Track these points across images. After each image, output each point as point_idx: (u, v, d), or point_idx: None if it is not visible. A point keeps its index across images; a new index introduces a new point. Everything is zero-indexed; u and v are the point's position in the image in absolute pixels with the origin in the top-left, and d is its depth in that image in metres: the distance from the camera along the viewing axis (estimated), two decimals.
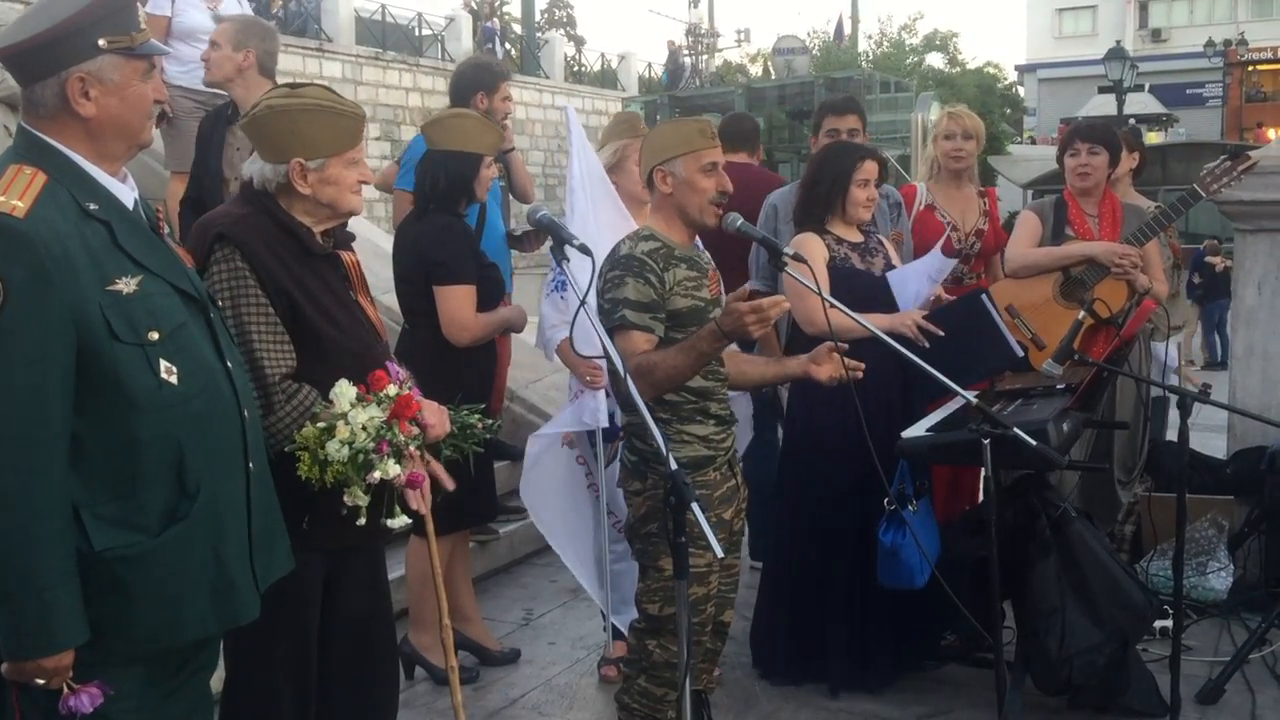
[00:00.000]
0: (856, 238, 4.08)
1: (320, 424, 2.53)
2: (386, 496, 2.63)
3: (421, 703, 4.09)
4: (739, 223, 3.33)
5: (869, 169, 4.02)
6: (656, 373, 3.03)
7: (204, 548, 2.17)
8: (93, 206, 2.12)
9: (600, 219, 3.85)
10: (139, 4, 2.22)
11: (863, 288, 3.95)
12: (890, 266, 4.12)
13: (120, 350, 2.06)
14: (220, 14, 5.89)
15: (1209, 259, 15.45)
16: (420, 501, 2.70)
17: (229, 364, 2.29)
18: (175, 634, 2.17)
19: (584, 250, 2.86)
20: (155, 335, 2.11)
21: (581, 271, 2.97)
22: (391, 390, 2.58)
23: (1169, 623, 3.91)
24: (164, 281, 2.17)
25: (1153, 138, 28.51)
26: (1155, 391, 4.79)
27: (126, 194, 2.21)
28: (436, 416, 2.76)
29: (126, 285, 2.09)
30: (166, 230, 2.31)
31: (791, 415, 4.25)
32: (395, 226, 5.00)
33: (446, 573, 3.89)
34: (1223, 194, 4.66)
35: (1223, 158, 4.59)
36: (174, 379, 2.12)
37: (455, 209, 4.01)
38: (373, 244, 6.96)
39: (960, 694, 4.03)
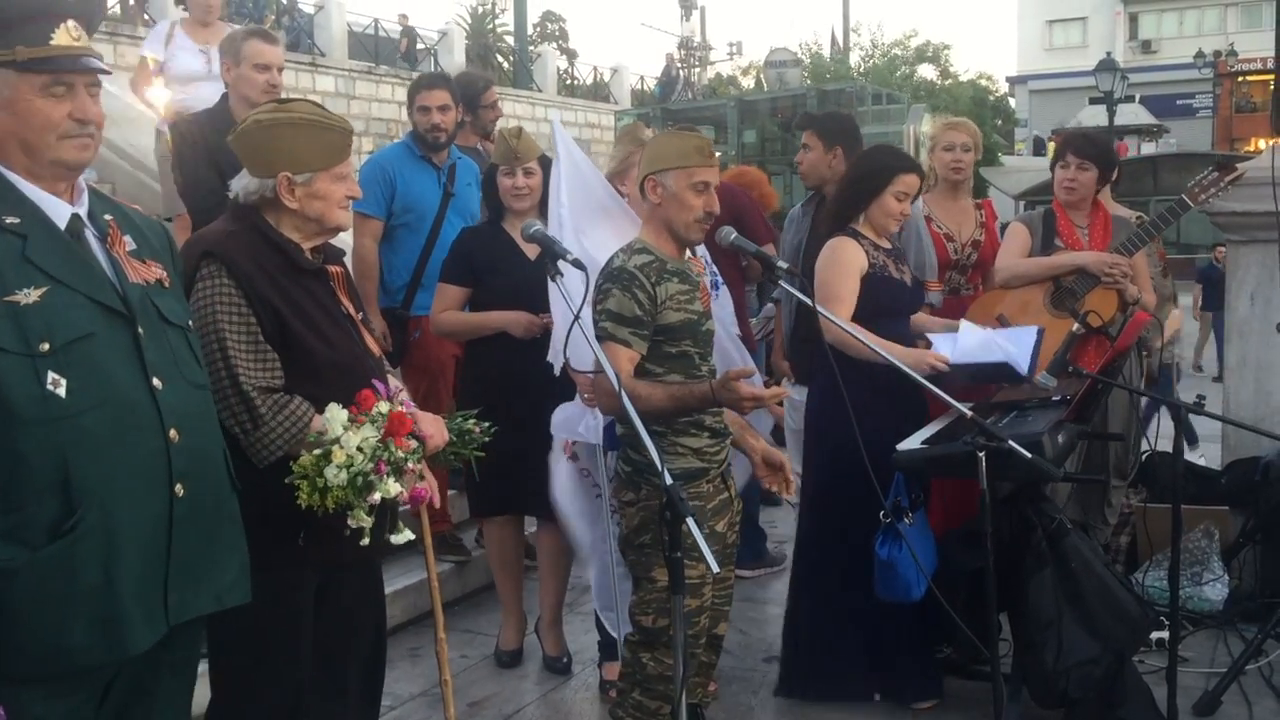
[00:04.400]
0: (886, 244, 4.07)
1: (316, 451, 2.50)
2: (388, 514, 2.62)
3: (419, 717, 4.07)
4: (732, 237, 3.34)
5: (909, 181, 3.98)
6: (637, 404, 3.01)
7: (92, 570, 2.05)
8: (10, 220, 2.09)
9: (591, 230, 3.83)
10: (49, 18, 2.13)
11: (895, 297, 3.98)
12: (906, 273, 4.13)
13: (3, 360, 2.00)
14: (213, 55, 5.87)
15: (1215, 255, 15.41)
16: (423, 516, 2.70)
17: (155, 382, 2.18)
18: (62, 659, 2.06)
19: (577, 265, 2.86)
20: (46, 346, 2.03)
21: (575, 285, 2.97)
22: (383, 407, 2.57)
23: (1165, 634, 3.90)
24: (77, 293, 2.11)
25: None
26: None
27: (62, 209, 2.17)
28: (434, 427, 2.76)
29: (26, 296, 2.04)
30: (131, 249, 2.26)
31: (810, 430, 4.23)
32: (354, 247, 5.01)
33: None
34: (1212, 204, 4.67)
35: (1210, 169, 4.61)
36: (61, 391, 2.04)
37: (493, 217, 4.31)
38: None
39: (957, 706, 4.01)
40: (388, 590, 4.64)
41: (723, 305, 4.26)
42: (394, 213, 4.94)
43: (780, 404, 4.52)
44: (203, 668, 2.57)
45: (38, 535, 2.02)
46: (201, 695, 2.57)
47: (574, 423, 3.89)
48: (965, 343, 3.91)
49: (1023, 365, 3.75)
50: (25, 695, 2.06)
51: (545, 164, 4.19)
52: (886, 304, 3.93)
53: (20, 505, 2.02)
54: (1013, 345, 3.85)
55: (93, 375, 2.09)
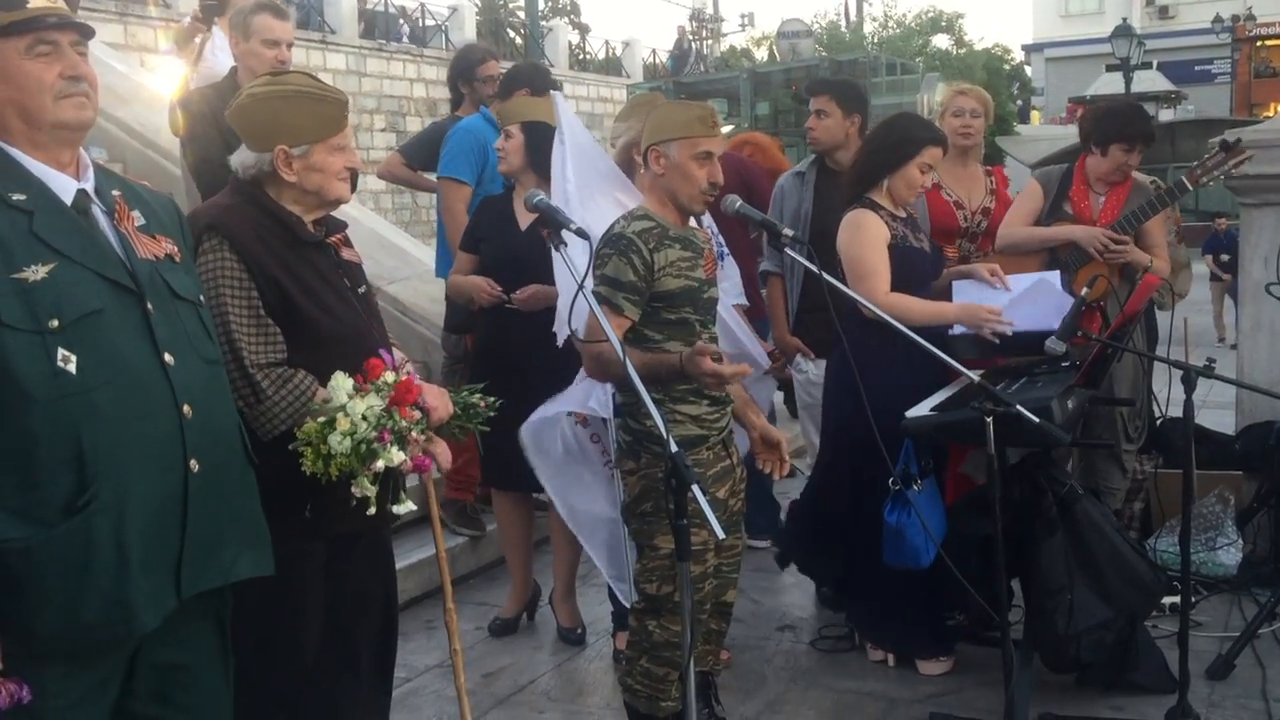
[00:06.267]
0: (903, 214, 4.05)
1: (320, 418, 2.50)
2: (392, 483, 2.63)
3: (432, 689, 4.10)
4: (737, 205, 3.34)
5: (934, 153, 3.96)
6: (615, 369, 3.01)
7: (106, 547, 2.05)
8: (17, 197, 2.09)
9: (591, 204, 3.82)
10: None
11: (918, 267, 3.98)
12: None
13: (11, 337, 2.00)
14: None
15: (1216, 225, 15.30)
16: (428, 486, 2.71)
17: (167, 357, 2.17)
18: (76, 635, 2.06)
19: (580, 234, 2.86)
20: (55, 323, 2.03)
21: (579, 256, 2.97)
22: (389, 377, 2.57)
23: (1178, 599, 3.90)
24: (85, 269, 2.10)
25: None
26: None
27: (68, 184, 2.18)
28: (438, 399, 2.75)
29: (34, 273, 2.04)
30: (140, 224, 2.27)
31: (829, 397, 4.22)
32: (444, 213, 5.10)
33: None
34: (1212, 184, 4.62)
35: (1216, 150, 4.51)
36: (71, 368, 2.03)
37: (508, 186, 4.41)
38: (377, 235, 6.98)
39: (969, 673, 4.03)
40: (402, 564, 4.68)
41: (726, 276, 4.24)
42: (481, 180, 5.01)
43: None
44: None
45: (52, 513, 2.02)
46: None
47: (585, 397, 3.88)
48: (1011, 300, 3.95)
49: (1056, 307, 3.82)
50: (44, 672, 2.07)
51: (530, 129, 4.16)
52: (911, 274, 3.93)
53: (34, 484, 2.02)
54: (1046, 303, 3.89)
55: (103, 352, 2.08)
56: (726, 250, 4.38)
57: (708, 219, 4.14)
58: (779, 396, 5.95)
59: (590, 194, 3.75)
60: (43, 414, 2.01)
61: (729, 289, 4.21)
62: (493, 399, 3.01)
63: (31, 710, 2.04)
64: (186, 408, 2.18)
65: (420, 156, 5.67)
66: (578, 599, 4.59)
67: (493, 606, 4.77)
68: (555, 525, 4.47)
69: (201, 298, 2.39)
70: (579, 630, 4.50)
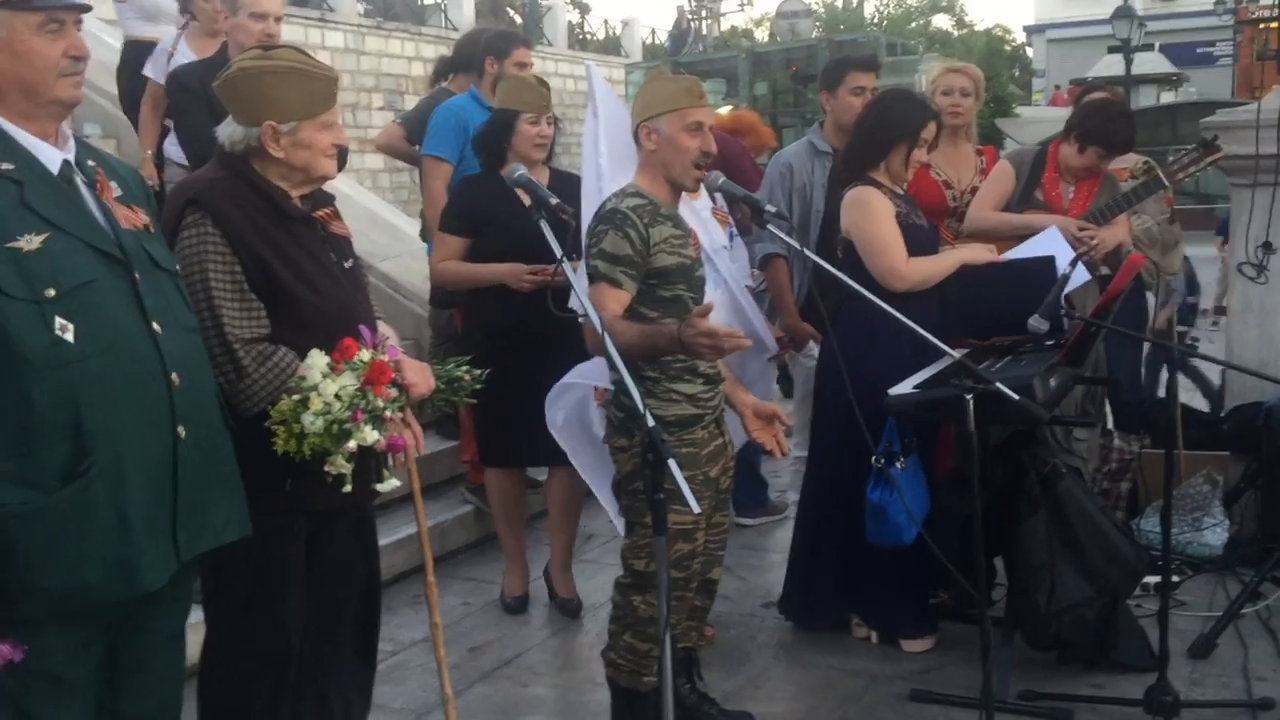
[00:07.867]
0: (900, 190, 4.07)
1: (294, 397, 2.52)
2: (373, 462, 2.64)
3: (417, 663, 4.12)
4: (720, 180, 3.33)
5: (930, 129, 3.99)
6: (617, 340, 2.99)
7: (105, 511, 2.11)
8: (5, 166, 2.13)
9: (621, 179, 3.79)
10: None
11: (920, 243, 4.01)
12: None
13: (10, 306, 2.04)
14: None
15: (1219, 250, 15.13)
16: (409, 463, 2.71)
17: (155, 326, 2.23)
18: (78, 598, 2.12)
19: (561, 208, 2.86)
20: (52, 292, 2.07)
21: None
22: (365, 356, 2.57)
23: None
24: (76, 239, 2.15)
25: None
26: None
27: (53, 155, 2.21)
28: (419, 375, 2.77)
29: (28, 243, 2.08)
30: (118, 195, 2.30)
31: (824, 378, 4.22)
32: (424, 190, 5.09)
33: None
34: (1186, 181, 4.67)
35: (1192, 146, 4.54)
36: (69, 336, 2.08)
37: (489, 165, 4.25)
38: (369, 212, 6.98)
39: (951, 650, 4.05)
40: (390, 539, 4.72)
41: (737, 258, 4.22)
42: (464, 158, 4.98)
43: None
44: (197, 618, 2.61)
45: (50, 479, 2.07)
46: (194, 643, 2.62)
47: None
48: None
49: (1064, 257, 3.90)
50: (37, 634, 2.12)
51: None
52: (915, 251, 3.95)
53: (29, 450, 2.06)
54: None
55: (98, 321, 2.13)
56: (736, 232, 4.36)
57: (721, 200, 4.14)
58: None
59: (622, 168, 3.74)
60: (42, 382, 2.06)
61: (740, 270, 4.19)
62: (479, 371, 3.02)
63: (24, 669, 2.10)
64: (175, 375, 2.24)
65: (420, 131, 5.63)
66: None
67: (481, 581, 4.80)
68: (553, 500, 4.49)
69: (178, 267, 2.44)
70: (575, 602, 4.51)
